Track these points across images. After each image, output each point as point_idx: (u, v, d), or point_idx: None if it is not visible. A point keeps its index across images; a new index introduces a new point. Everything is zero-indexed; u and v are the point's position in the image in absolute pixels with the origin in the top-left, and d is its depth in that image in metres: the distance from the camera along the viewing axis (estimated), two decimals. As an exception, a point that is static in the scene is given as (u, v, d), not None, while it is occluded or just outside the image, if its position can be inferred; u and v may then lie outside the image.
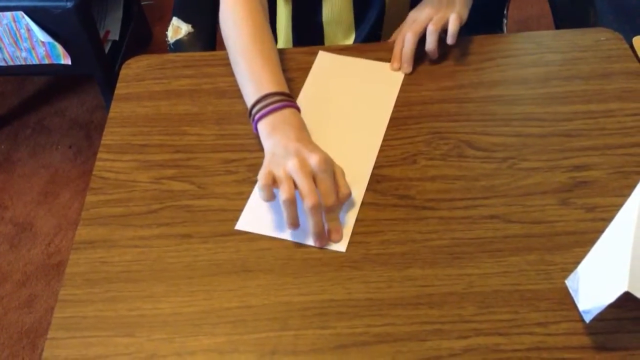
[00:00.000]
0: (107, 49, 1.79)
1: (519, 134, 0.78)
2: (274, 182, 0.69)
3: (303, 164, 0.68)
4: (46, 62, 1.65)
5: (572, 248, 0.68)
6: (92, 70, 1.72)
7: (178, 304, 0.65)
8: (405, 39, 0.86)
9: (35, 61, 1.65)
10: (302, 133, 0.73)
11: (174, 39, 1.10)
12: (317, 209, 0.66)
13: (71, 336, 0.63)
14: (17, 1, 1.53)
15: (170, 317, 0.64)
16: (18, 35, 1.59)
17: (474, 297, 0.64)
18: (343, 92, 0.85)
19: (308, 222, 0.68)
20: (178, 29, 1.11)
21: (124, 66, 0.90)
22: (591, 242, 0.66)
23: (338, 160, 0.72)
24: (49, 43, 1.59)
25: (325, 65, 0.88)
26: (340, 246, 0.69)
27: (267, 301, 0.65)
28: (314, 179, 0.68)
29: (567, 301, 0.64)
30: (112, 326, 0.64)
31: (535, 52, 0.88)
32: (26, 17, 1.54)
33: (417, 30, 0.86)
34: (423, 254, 0.68)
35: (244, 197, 0.74)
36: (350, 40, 1.03)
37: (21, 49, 1.62)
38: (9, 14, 1.54)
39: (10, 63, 1.66)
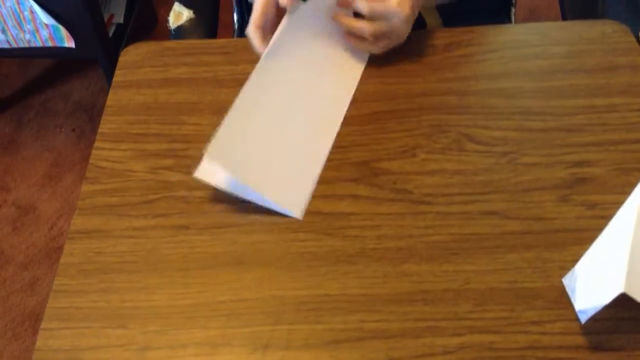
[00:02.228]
0: (111, 32, 1.78)
1: (520, 128, 0.77)
2: None
3: None
4: (50, 44, 1.65)
5: (570, 246, 0.67)
6: (96, 54, 1.71)
7: (172, 296, 0.65)
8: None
9: (39, 44, 1.65)
10: None
11: (176, 25, 1.09)
12: None
13: (64, 327, 0.63)
14: (20, -17, 1.52)
15: (164, 309, 0.64)
16: (22, 17, 1.58)
17: (470, 294, 0.64)
18: (316, 45, 0.83)
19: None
20: (179, 14, 1.10)
21: (122, 53, 0.89)
22: (590, 240, 0.65)
23: (304, 122, 0.78)
24: (52, 26, 1.59)
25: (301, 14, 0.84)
26: (296, 212, 0.70)
27: (261, 295, 0.64)
28: None
29: (563, 300, 0.63)
30: (105, 317, 0.63)
31: (540, 44, 0.87)
32: (30, -1, 1.54)
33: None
34: (419, 249, 0.67)
35: (241, 188, 0.73)
36: None
37: (25, 31, 1.62)
38: (12, -5, 1.53)
39: (14, 45, 1.66)
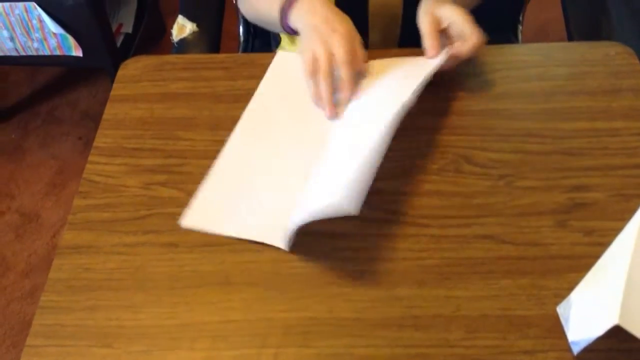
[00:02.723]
0: (119, 41, 1.79)
1: (519, 150, 0.76)
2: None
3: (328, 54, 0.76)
4: (58, 53, 1.65)
5: (566, 273, 0.65)
6: (103, 63, 1.72)
7: (158, 316, 0.64)
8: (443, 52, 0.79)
9: (47, 52, 1.65)
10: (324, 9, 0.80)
11: (179, 38, 1.09)
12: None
13: (49, 344, 0.62)
14: (29, -8, 1.53)
15: (150, 328, 0.63)
16: (30, 25, 1.59)
17: (461, 321, 0.62)
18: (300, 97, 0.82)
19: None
20: (183, 27, 1.10)
21: (121, 67, 0.89)
22: (587, 267, 0.64)
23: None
24: (60, 34, 1.59)
25: (284, 68, 0.86)
26: (281, 242, 0.67)
27: (249, 316, 0.63)
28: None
29: (557, 329, 0.61)
30: (91, 336, 0.63)
31: (542, 65, 0.86)
32: (38, 8, 1.54)
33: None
34: (411, 273, 0.66)
35: (233, 206, 0.72)
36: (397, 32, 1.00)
37: (33, 40, 1.63)
38: (21, 4, 1.54)
39: (22, 53, 1.67)
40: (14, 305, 1.50)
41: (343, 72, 0.77)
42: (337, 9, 0.82)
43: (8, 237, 1.62)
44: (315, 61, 0.77)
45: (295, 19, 0.85)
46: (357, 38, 0.80)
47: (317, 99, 0.79)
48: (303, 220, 0.64)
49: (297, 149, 0.77)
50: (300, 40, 0.83)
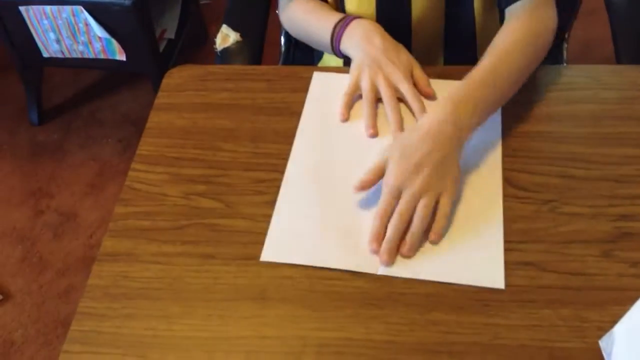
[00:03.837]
0: (162, 47, 1.81)
1: (564, 175, 0.74)
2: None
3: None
4: (102, 57, 1.68)
5: (610, 305, 0.64)
6: (146, 68, 1.74)
7: (193, 327, 0.64)
8: (389, 225, 0.68)
9: (92, 55, 1.69)
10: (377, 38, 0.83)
11: (222, 47, 1.09)
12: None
13: (85, 351, 0.63)
14: (77, -4, 1.56)
15: (184, 340, 0.63)
16: (76, 28, 1.62)
17: (499, 350, 0.61)
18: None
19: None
20: (227, 37, 1.10)
21: (166, 75, 0.90)
22: (632, 300, 0.62)
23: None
24: (105, 39, 1.62)
25: (326, 88, 0.85)
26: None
27: (283, 333, 0.63)
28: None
29: (599, 364, 0.60)
30: (126, 344, 0.63)
31: (590, 88, 0.84)
32: (85, 12, 1.57)
33: (404, 219, 0.68)
34: (449, 297, 0.65)
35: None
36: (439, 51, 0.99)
37: (78, 43, 1.66)
38: (68, 7, 1.58)
39: (67, 55, 1.70)
40: (49, 304, 1.52)
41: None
42: (391, 38, 0.84)
43: (46, 236, 1.64)
44: (375, 89, 0.80)
45: (348, 45, 0.85)
46: (417, 66, 0.83)
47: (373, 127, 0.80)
48: (438, 278, 0.66)
49: (358, 170, 0.74)
50: (355, 65, 0.83)
